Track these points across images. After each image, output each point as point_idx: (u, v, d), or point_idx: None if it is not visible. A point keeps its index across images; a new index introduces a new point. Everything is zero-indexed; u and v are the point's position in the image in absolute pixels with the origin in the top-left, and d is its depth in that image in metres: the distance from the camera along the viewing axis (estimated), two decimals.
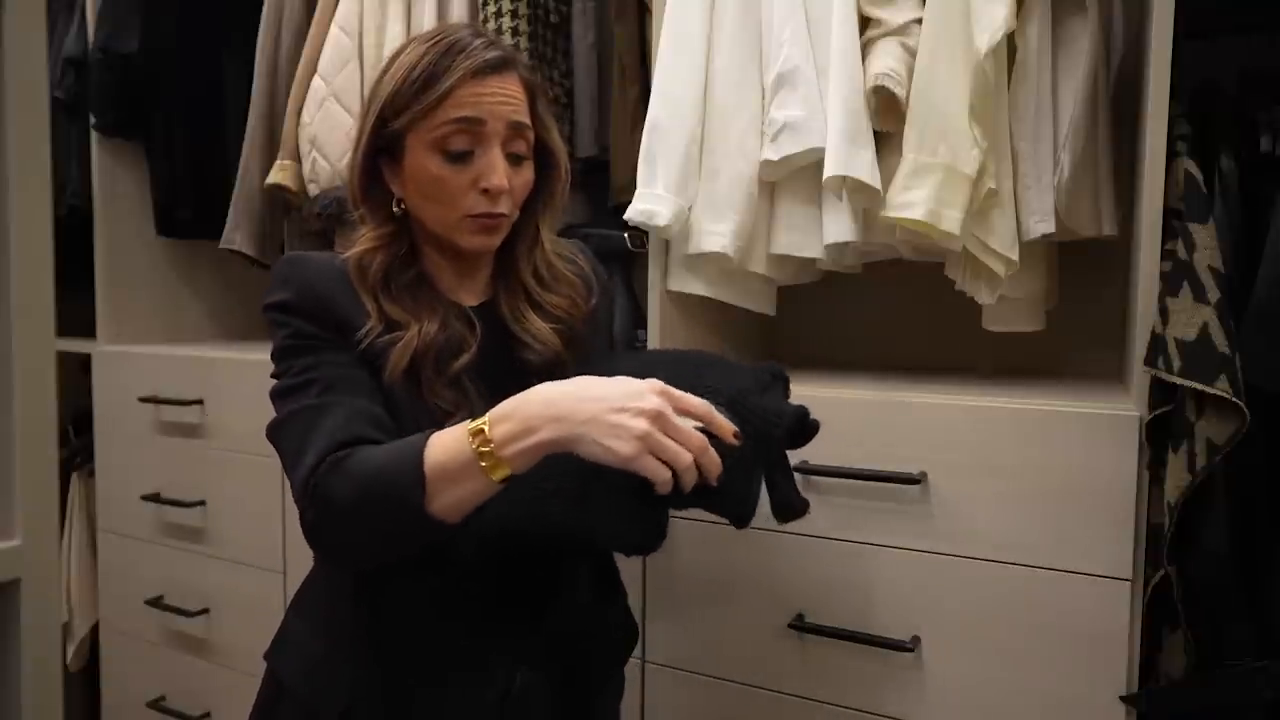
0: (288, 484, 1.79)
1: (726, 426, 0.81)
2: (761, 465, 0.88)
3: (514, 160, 0.95)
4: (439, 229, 0.96)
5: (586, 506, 0.84)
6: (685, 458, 0.77)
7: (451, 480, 0.79)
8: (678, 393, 0.80)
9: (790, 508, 0.89)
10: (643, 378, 0.83)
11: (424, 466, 0.79)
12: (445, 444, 0.80)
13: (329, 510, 0.83)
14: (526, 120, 0.96)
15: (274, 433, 0.91)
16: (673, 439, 0.77)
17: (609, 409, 0.77)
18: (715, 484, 0.79)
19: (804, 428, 0.91)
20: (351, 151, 0.98)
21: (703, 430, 0.80)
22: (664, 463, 0.77)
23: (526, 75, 0.97)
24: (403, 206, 0.97)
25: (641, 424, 0.76)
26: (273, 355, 0.93)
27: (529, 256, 1.02)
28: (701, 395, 0.83)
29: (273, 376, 0.93)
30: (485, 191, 0.93)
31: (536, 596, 0.95)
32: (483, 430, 0.79)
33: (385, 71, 0.96)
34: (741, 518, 0.85)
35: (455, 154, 0.92)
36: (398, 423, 0.90)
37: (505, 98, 0.94)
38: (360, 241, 0.96)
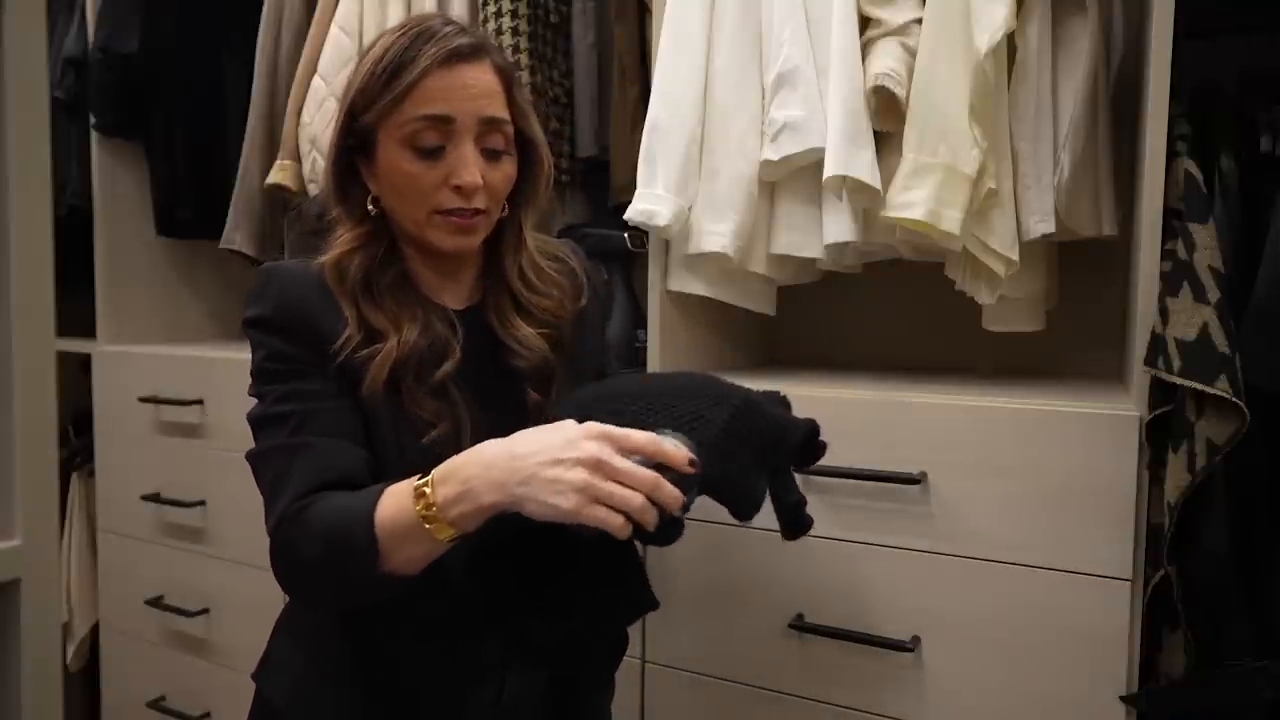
0: None
1: (679, 455, 0.77)
2: (768, 468, 0.87)
3: (491, 155, 0.92)
4: (412, 228, 0.93)
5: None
6: (635, 500, 0.73)
7: (401, 541, 0.79)
8: (620, 431, 0.77)
9: (796, 509, 0.89)
10: (638, 402, 0.83)
11: (375, 529, 0.79)
12: (395, 504, 0.80)
13: (293, 563, 0.84)
14: (502, 114, 0.92)
15: (252, 465, 0.91)
16: (618, 482, 0.74)
17: (545, 463, 0.75)
18: (677, 515, 0.76)
19: (813, 445, 0.91)
20: (328, 150, 0.96)
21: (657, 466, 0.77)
22: (616, 509, 0.74)
23: (501, 62, 0.94)
24: (378, 205, 0.94)
25: (580, 475, 0.74)
26: (251, 373, 0.92)
27: (515, 257, 0.99)
28: (685, 419, 0.83)
29: (251, 394, 0.92)
30: (458, 189, 0.90)
31: (527, 610, 0.93)
32: (425, 493, 0.78)
33: (357, 64, 0.93)
34: (745, 514, 0.85)
35: (426, 150, 0.89)
36: (379, 436, 0.89)
37: (478, 90, 0.90)
38: (337, 244, 0.93)
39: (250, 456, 0.91)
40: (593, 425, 0.78)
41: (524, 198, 0.99)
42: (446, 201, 0.91)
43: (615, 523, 0.73)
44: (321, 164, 1.63)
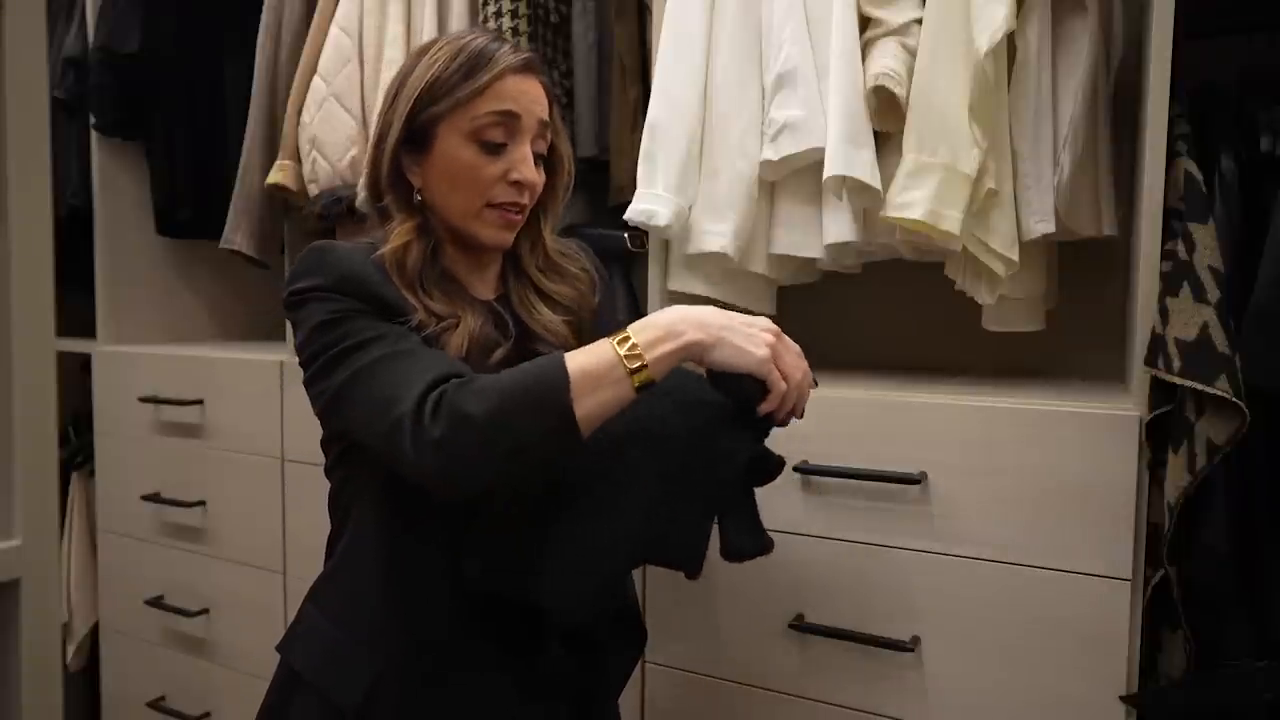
0: (288, 483, 1.78)
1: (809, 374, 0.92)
2: (711, 513, 0.89)
3: (536, 159, 0.99)
4: (458, 220, 0.98)
5: (653, 515, 0.87)
6: (798, 374, 0.88)
7: (595, 384, 0.82)
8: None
9: (739, 554, 0.90)
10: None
11: (567, 371, 0.82)
12: (586, 353, 0.84)
13: (464, 419, 0.80)
14: (549, 122, 1.00)
15: (339, 394, 0.87)
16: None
17: (740, 324, 0.88)
18: (799, 416, 0.90)
19: (765, 467, 0.92)
20: (376, 141, 1.00)
21: None
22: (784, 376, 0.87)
23: (545, 81, 1.01)
24: (420, 198, 0.98)
25: (770, 337, 0.88)
26: (308, 334, 0.89)
27: (532, 251, 1.06)
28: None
29: (307, 357, 0.90)
30: (515, 183, 0.96)
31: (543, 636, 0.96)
32: (628, 337, 0.84)
33: (413, 68, 0.97)
34: (689, 570, 0.88)
35: (491, 145, 0.95)
36: None
37: (537, 96, 0.98)
38: (394, 236, 0.96)
39: (339, 384, 0.87)
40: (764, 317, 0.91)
41: (546, 203, 1.05)
42: (501, 195, 0.97)
43: (782, 386, 0.87)
44: (322, 164, 1.64)
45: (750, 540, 0.90)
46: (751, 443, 0.91)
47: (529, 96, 0.97)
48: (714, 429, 0.89)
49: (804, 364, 0.90)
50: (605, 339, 0.85)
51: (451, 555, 0.91)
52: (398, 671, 0.93)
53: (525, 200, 0.98)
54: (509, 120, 0.96)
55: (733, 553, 0.90)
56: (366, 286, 0.90)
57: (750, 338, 0.86)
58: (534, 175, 0.97)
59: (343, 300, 0.89)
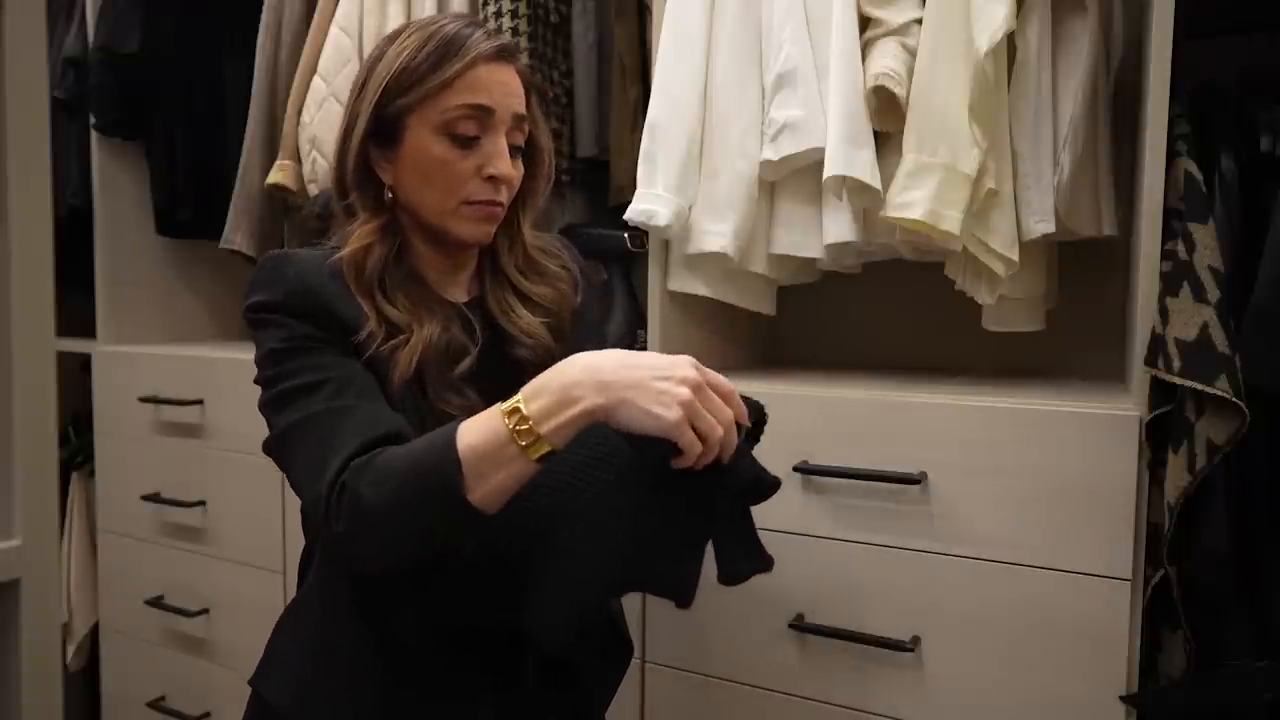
0: (288, 483, 1.78)
1: (743, 411, 0.80)
2: (702, 542, 0.85)
3: (513, 152, 0.95)
4: (433, 217, 0.94)
5: (642, 552, 0.83)
6: (718, 432, 0.76)
7: (489, 465, 0.76)
8: (706, 370, 0.80)
9: (732, 579, 0.86)
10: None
11: (458, 454, 0.76)
12: (478, 429, 0.77)
13: (361, 516, 0.78)
14: (525, 115, 0.96)
15: (279, 443, 0.86)
16: (708, 412, 0.77)
17: (653, 376, 0.76)
18: (725, 462, 0.79)
19: (760, 489, 0.88)
20: (342, 135, 0.95)
21: None
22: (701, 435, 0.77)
23: (524, 70, 0.97)
24: (392, 194, 0.95)
25: (685, 392, 0.75)
26: (262, 359, 0.88)
27: (510, 249, 1.01)
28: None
29: (261, 382, 0.88)
30: (490, 179, 0.92)
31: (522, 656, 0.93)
32: (518, 409, 0.77)
33: (381, 55, 0.93)
34: (678, 601, 0.84)
35: (463, 139, 0.91)
36: None
37: (512, 88, 0.93)
38: (354, 238, 0.92)
39: (277, 435, 0.86)
40: (687, 356, 0.80)
41: (525, 199, 1.01)
42: (476, 191, 0.93)
43: (698, 448, 0.75)
44: (322, 164, 1.64)
45: (745, 564, 0.87)
46: (744, 474, 0.86)
47: (503, 88, 0.92)
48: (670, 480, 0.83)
49: (728, 413, 0.78)
50: (498, 406, 0.78)
51: (427, 584, 0.87)
52: (378, 704, 0.91)
53: (502, 197, 0.94)
54: (481, 114, 0.91)
55: (727, 578, 0.86)
56: (320, 301, 0.88)
57: (660, 396, 0.75)
58: (510, 170, 0.93)
59: (295, 325, 0.87)
